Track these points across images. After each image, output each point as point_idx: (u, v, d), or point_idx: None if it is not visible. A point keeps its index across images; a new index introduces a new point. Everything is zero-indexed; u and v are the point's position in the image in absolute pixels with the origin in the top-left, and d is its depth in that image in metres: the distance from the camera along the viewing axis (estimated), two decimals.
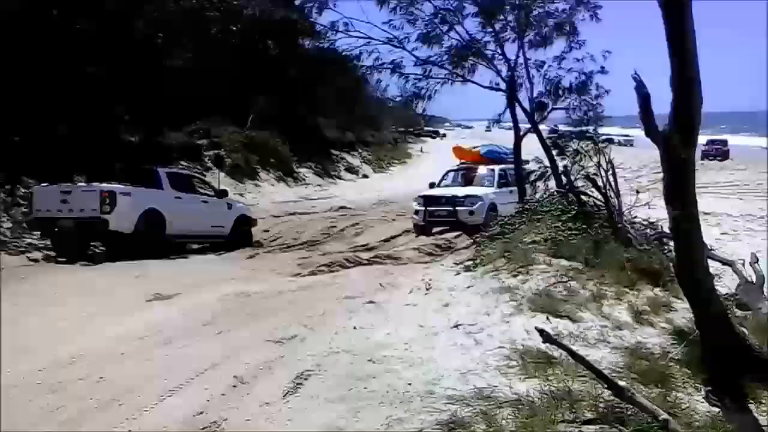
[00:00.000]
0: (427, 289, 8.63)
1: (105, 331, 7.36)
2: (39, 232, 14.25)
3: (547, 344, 4.68)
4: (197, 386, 5.43)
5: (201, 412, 4.85)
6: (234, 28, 27.62)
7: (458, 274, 9.61)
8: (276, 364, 5.90)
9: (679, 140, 4.89)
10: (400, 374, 5.29)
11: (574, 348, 4.80)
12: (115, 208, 13.16)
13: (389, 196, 29.59)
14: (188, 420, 4.74)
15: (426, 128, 78.31)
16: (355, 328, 6.92)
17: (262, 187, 28.65)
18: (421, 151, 59.37)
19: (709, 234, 14.43)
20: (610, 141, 17.85)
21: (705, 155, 48.80)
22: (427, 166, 46.35)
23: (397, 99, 38.31)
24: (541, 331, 4.43)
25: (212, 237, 16.36)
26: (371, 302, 8.27)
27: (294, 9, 18.46)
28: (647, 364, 5.17)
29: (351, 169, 38.63)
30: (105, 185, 13.60)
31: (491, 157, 21.21)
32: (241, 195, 25.34)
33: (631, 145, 62.03)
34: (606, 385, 4.15)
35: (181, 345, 6.80)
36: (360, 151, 44.60)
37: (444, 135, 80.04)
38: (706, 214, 20.81)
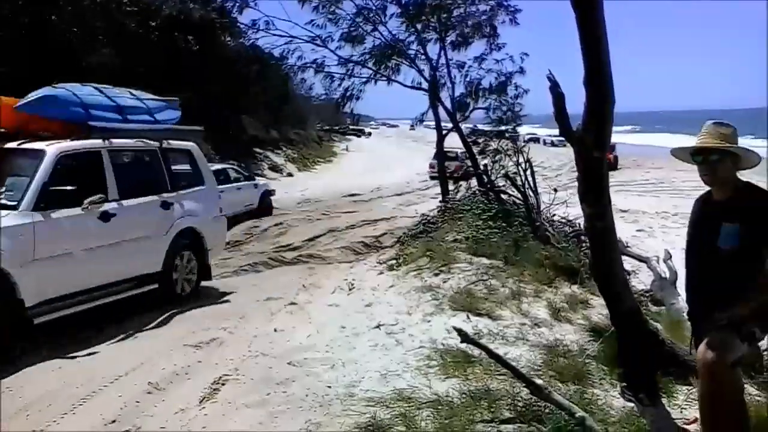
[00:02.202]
0: (349, 289, 8.58)
1: None
2: None
3: (467, 343, 4.67)
4: (111, 394, 5.22)
5: (114, 421, 4.66)
6: (153, 24, 26.88)
7: (381, 273, 9.61)
8: (193, 369, 5.73)
9: (592, 140, 4.98)
10: (320, 377, 5.21)
11: (492, 347, 4.83)
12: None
13: (314, 195, 29.42)
14: (101, 429, 4.54)
15: (351, 127, 78.29)
16: (275, 330, 6.79)
17: None
18: (347, 149, 59.36)
19: (626, 231, 14.92)
20: (535, 140, 18.20)
21: None
22: (353, 165, 46.50)
23: (322, 97, 38.47)
24: (459, 331, 4.43)
25: (246, 212, 20.35)
26: (293, 303, 8.15)
27: (214, 8, 18.04)
28: (565, 361, 5.24)
29: (275, 168, 38.16)
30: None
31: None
32: None
33: (564, 145, 63.46)
34: (524, 384, 4.17)
35: (95, 350, 6.55)
36: (284, 149, 44.16)
37: (369, 134, 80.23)
38: (623, 211, 21.55)
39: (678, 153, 4.09)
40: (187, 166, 9.55)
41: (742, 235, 3.73)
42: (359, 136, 75.29)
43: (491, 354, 4.40)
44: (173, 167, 9.04)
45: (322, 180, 37.30)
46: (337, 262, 13.49)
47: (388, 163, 46.82)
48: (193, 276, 9.23)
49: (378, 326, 6.50)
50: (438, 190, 28.95)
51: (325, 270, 11.75)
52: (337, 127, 74.32)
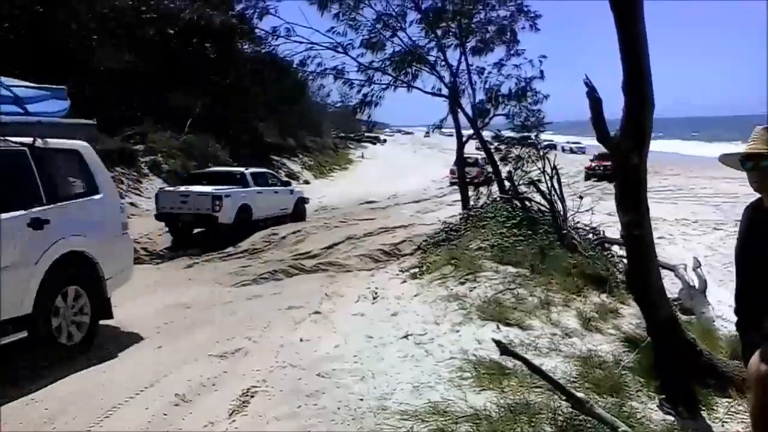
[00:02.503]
0: (374, 298, 8.46)
1: None
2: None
3: (506, 356, 4.54)
4: (136, 406, 5.13)
5: None
6: (171, 32, 27.00)
7: (404, 281, 9.49)
8: (220, 380, 5.63)
9: (630, 146, 4.87)
10: (350, 389, 5.10)
11: (530, 359, 4.69)
12: (222, 207, 17.43)
13: (331, 203, 29.34)
14: None
15: (367, 134, 78.36)
16: (301, 340, 6.68)
17: None
18: (362, 157, 59.31)
19: None
20: (552, 147, 18.01)
21: (590, 174, 39.25)
22: (369, 172, 46.44)
23: (338, 105, 38.50)
24: (498, 343, 4.30)
25: (281, 216, 20.69)
26: (317, 312, 8.05)
27: (234, 15, 18.07)
28: (601, 372, 5.10)
29: (292, 175, 38.00)
30: (213, 190, 17.70)
31: None
32: None
33: (583, 152, 62.60)
34: (565, 397, 4.04)
35: (118, 361, 6.48)
36: (301, 156, 44.15)
37: (384, 141, 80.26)
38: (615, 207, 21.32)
39: (726, 159, 3.92)
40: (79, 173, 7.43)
41: None
42: (374, 144, 75.33)
43: (531, 367, 4.28)
44: (57, 173, 6.98)
45: (338, 187, 37.25)
46: (356, 270, 13.37)
47: (403, 170, 46.71)
48: (85, 317, 6.93)
49: (406, 336, 6.38)
50: (456, 197, 28.92)
51: (346, 278, 11.65)
52: (352, 135, 74.40)
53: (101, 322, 7.27)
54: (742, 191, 29.51)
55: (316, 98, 41.27)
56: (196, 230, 18.44)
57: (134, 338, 7.33)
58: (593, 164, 39.41)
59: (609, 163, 38.19)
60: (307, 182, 38.13)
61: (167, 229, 18.26)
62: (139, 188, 22.83)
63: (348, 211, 25.47)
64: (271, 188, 20.86)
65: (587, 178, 38.63)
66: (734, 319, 8.98)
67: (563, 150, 64.32)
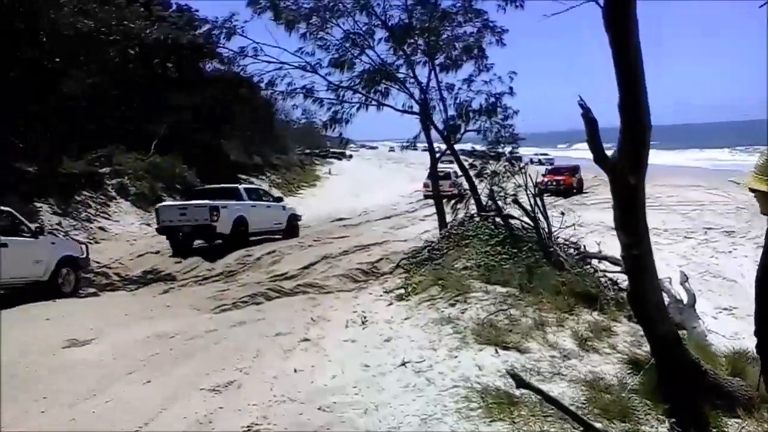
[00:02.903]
0: (363, 323, 8.34)
1: None
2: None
3: (522, 389, 4.46)
4: None
5: None
6: (132, 52, 26.63)
7: (391, 303, 9.38)
8: (217, 416, 5.45)
9: (628, 167, 4.84)
10: (355, 423, 4.99)
11: (544, 389, 4.62)
12: (219, 218, 18.74)
13: (302, 221, 29.10)
14: None
15: (332, 150, 78.24)
16: (295, 370, 6.53)
17: None
18: (329, 173, 59.12)
19: (618, 249, 14.83)
20: (517, 159, 18.00)
21: (542, 190, 38.49)
22: (337, 188, 46.31)
23: (302, 121, 38.25)
24: (514, 376, 4.22)
25: (275, 231, 21.92)
26: (306, 339, 7.90)
27: (201, 34, 17.87)
28: (609, 397, 5.04)
29: None
30: (209, 202, 19.05)
31: None
32: (148, 225, 24.37)
33: (551, 164, 63.08)
34: (583, 429, 3.97)
35: (105, 398, 6.24)
36: (268, 174, 43.88)
37: (350, 156, 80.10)
38: (613, 228, 21.56)
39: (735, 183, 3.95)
40: None
41: None
42: (340, 159, 75.06)
43: (548, 399, 4.20)
44: None
45: (307, 205, 36.96)
46: (337, 291, 13.25)
47: (371, 185, 46.70)
48: None
49: (404, 364, 6.27)
50: (427, 211, 29.04)
51: (328, 300, 11.50)
52: (317, 151, 74.16)
53: None
54: (708, 199, 30.15)
55: (280, 115, 41.12)
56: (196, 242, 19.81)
57: (120, 372, 7.10)
58: (545, 179, 36.64)
59: (561, 178, 37.99)
60: None
61: (168, 242, 19.48)
62: (107, 212, 22.40)
63: (321, 229, 25.34)
64: (264, 203, 22.26)
65: (540, 193, 38.14)
66: (723, 331, 9.02)
67: (531, 162, 64.75)
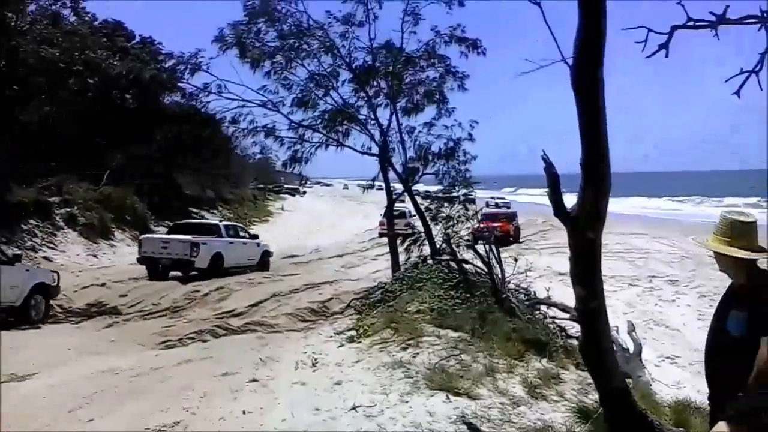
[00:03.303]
0: (313, 365, 8.25)
1: None
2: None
3: (457, 427, 4.45)
4: None
5: None
6: (91, 81, 26.39)
7: (342, 345, 9.33)
8: None
9: (587, 222, 4.94)
10: None
11: None
12: (199, 253, 20.00)
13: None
14: None
15: (286, 186, 78.05)
16: (244, 412, 6.41)
17: (117, 247, 26.89)
18: (282, 209, 58.82)
19: (568, 295, 15.06)
20: (472, 201, 18.12)
21: (477, 237, 26.08)
22: (290, 225, 46.04)
23: (257, 156, 38.05)
24: (469, 425, 4.21)
25: (248, 266, 22.96)
26: (254, 380, 7.77)
27: (165, 69, 17.79)
28: None
29: None
30: (191, 238, 20.28)
31: None
32: (95, 256, 23.83)
33: (508, 208, 63.28)
34: None
35: None
36: (220, 209, 43.45)
37: (304, 192, 79.94)
38: (561, 274, 21.88)
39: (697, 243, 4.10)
40: None
41: (749, 323, 3.70)
42: (293, 195, 74.88)
43: None
44: None
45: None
46: (286, 331, 13.12)
47: (325, 222, 46.62)
48: None
49: (354, 408, 6.21)
50: (378, 251, 29.05)
51: (277, 340, 11.37)
52: (271, 186, 73.88)
53: None
54: (654, 247, 30.79)
55: (237, 150, 40.86)
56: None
57: (63, 409, 6.87)
58: (481, 226, 33.79)
59: (498, 224, 33.41)
60: None
61: (147, 271, 20.59)
62: (53, 241, 21.81)
63: (271, 266, 25.07)
64: (240, 240, 23.45)
65: (475, 241, 34.55)
66: (666, 380, 9.20)
67: (488, 205, 64.84)
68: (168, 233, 22.17)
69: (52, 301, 14.91)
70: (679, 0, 3.71)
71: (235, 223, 26.10)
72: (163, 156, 31.04)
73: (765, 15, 3.65)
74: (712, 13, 3.70)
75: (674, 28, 3.86)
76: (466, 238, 12.14)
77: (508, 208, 62.89)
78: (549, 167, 4.94)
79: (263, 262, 24.30)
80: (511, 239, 35.19)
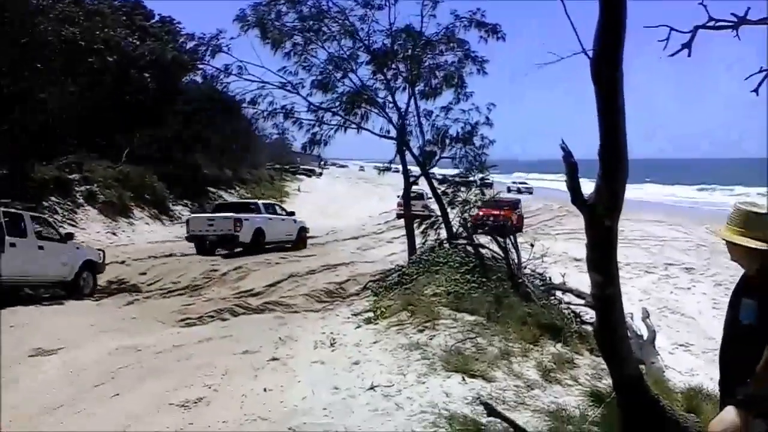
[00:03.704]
0: (331, 345, 8.42)
1: None
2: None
3: (494, 417, 4.60)
4: None
5: None
6: (111, 59, 26.55)
7: (359, 326, 9.48)
8: None
9: (603, 210, 5.03)
10: None
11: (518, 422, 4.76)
12: (242, 228, 21.61)
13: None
14: None
15: (302, 166, 78.27)
16: (265, 390, 6.59)
17: (136, 226, 27.25)
18: (299, 190, 59.03)
19: (583, 282, 15.15)
20: (489, 185, 18.11)
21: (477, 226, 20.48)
22: (306, 206, 46.21)
23: (274, 136, 38.13)
24: (486, 405, 4.36)
25: (287, 241, 24.76)
26: (275, 359, 7.96)
27: (187, 50, 17.92)
28: (571, 428, 5.21)
29: None
30: (235, 215, 22.05)
31: None
32: (114, 234, 24.11)
33: (530, 193, 62.42)
34: None
35: (71, 411, 6.24)
36: (237, 188, 43.71)
37: (320, 174, 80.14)
38: (576, 260, 21.92)
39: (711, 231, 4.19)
40: None
41: (758, 312, 3.78)
42: (310, 176, 75.07)
43: (518, 429, 4.34)
44: None
45: None
46: (304, 311, 13.30)
47: (340, 204, 46.75)
48: None
49: (372, 388, 6.37)
50: (393, 234, 29.18)
51: (296, 320, 11.55)
52: (287, 167, 74.09)
53: None
54: (670, 235, 30.71)
55: (254, 130, 40.99)
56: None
57: (88, 384, 7.09)
58: (481, 213, 29.73)
59: (499, 212, 33.26)
60: None
61: (195, 248, 22.30)
62: (74, 219, 22.12)
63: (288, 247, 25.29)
64: (278, 216, 24.99)
65: (475, 230, 29.78)
66: (679, 367, 9.31)
67: (509, 190, 63.59)
68: (212, 212, 23.72)
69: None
70: (701, 0, 3.78)
71: (273, 202, 27.95)
72: (181, 136, 31.31)
73: None
74: (733, 14, 3.77)
75: (697, 27, 3.93)
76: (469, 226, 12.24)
77: (530, 193, 62.12)
78: (567, 156, 5.02)
79: (300, 238, 25.81)
80: (513, 229, 33.18)
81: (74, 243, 15.74)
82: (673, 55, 4.11)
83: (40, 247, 13.84)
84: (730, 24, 3.81)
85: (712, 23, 3.88)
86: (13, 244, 12.77)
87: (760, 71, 3.83)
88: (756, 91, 3.87)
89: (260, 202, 25.96)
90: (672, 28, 4.05)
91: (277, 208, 26.18)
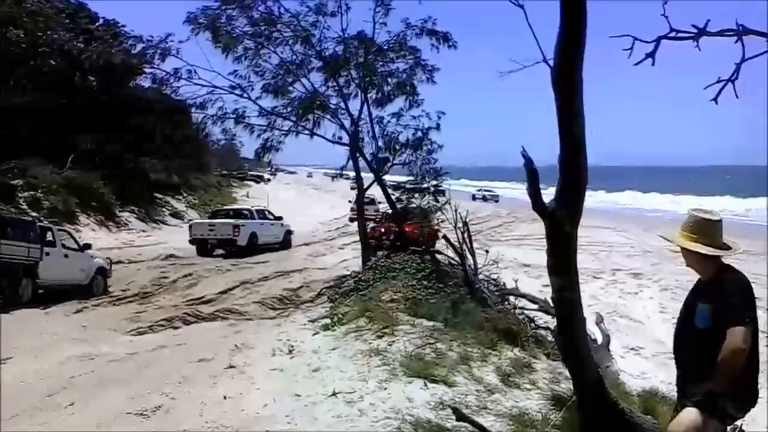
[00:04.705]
0: (290, 352, 8.36)
1: None
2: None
3: (463, 422, 4.62)
4: None
5: None
6: (54, 63, 25.94)
7: (317, 333, 9.45)
8: None
9: (564, 215, 5.13)
10: None
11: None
12: (240, 233, 24.38)
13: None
14: None
15: (250, 172, 77.64)
16: (225, 398, 6.50)
17: (82, 232, 26.42)
18: (247, 195, 58.44)
19: (534, 286, 15.36)
20: (441, 192, 18.21)
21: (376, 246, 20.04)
22: None
23: (221, 142, 37.65)
24: (455, 410, 4.39)
25: (274, 243, 27.15)
26: (231, 367, 7.87)
27: (132, 53, 17.55)
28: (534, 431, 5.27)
29: (176, 214, 37.00)
30: (233, 221, 25.24)
31: None
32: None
33: (496, 201, 61.37)
34: None
35: (30, 421, 6.05)
36: (185, 194, 43.02)
37: (269, 180, 79.57)
38: (525, 265, 22.23)
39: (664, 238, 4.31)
40: None
41: (713, 315, 3.91)
42: (258, 182, 74.51)
43: None
44: None
45: None
46: (257, 318, 13.18)
47: (290, 211, 46.41)
48: None
49: (334, 394, 6.33)
50: (344, 240, 29.20)
51: (250, 328, 11.45)
52: (235, 173, 73.38)
53: None
54: (618, 241, 31.37)
55: (200, 135, 40.43)
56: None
57: (42, 394, 6.89)
58: (379, 227, 23.42)
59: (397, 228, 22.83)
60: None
61: (196, 250, 24.75)
62: None
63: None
64: (268, 221, 27.78)
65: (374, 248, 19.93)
66: (631, 370, 9.48)
67: (474, 198, 62.75)
68: (210, 218, 27.38)
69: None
70: (663, 12, 3.91)
71: (263, 207, 30.41)
72: (129, 141, 30.74)
73: (740, 29, 3.87)
74: (694, 25, 3.91)
75: (660, 38, 4.05)
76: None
77: (496, 201, 60.93)
78: (528, 162, 5.11)
79: (286, 240, 28.31)
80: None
81: (90, 252, 17.52)
82: (637, 63, 4.22)
83: (65, 256, 16.02)
84: (691, 35, 3.93)
85: (673, 34, 4.00)
86: (47, 254, 14.96)
87: (718, 81, 3.97)
88: (715, 100, 4.01)
89: (253, 208, 28.71)
90: (635, 38, 4.16)
91: (266, 213, 28.68)
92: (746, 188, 72.79)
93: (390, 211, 18.98)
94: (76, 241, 17.29)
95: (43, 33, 23.46)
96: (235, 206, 31.94)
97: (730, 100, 3.93)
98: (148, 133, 26.29)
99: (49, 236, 15.87)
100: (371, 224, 18.64)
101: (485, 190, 68.85)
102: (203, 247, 24.75)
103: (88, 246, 17.54)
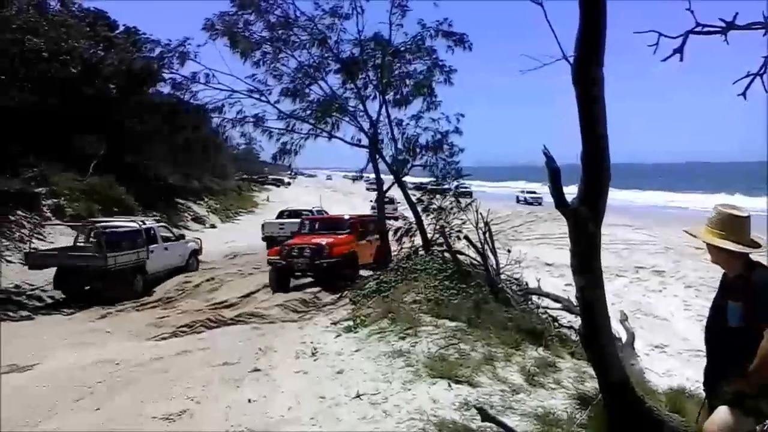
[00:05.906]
0: (313, 354, 8.38)
1: None
2: None
3: (488, 422, 4.60)
4: None
5: None
6: (74, 70, 26.20)
7: (339, 335, 9.44)
8: None
9: (587, 214, 5.09)
10: None
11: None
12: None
13: (241, 248, 28.83)
14: None
15: (270, 176, 77.98)
16: (249, 401, 6.53)
17: None
18: (268, 200, 58.68)
19: (557, 285, 15.30)
20: (468, 194, 18.13)
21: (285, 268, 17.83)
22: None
23: (241, 147, 37.89)
24: (480, 410, 4.37)
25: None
26: (256, 370, 7.90)
27: (150, 58, 17.70)
28: (559, 431, 5.23)
29: (198, 219, 37.22)
30: (300, 220, 24.55)
31: None
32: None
33: (539, 204, 59.35)
34: None
35: (54, 425, 6.12)
36: (206, 199, 43.26)
37: (289, 183, 79.85)
38: (548, 264, 22.15)
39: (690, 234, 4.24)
40: None
41: (744, 314, 3.85)
42: (278, 186, 74.83)
43: None
44: None
45: (246, 231, 36.58)
46: (281, 321, 13.21)
47: None
48: None
49: (358, 396, 6.34)
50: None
51: (273, 330, 11.47)
52: (255, 177, 73.73)
53: None
54: (639, 239, 31.10)
55: (221, 140, 40.70)
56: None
57: (67, 399, 6.96)
58: (291, 243, 18.71)
59: (324, 241, 17.17)
60: (213, 226, 37.37)
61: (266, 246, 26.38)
62: (41, 233, 21.68)
63: (260, 257, 25.12)
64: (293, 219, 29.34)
65: (289, 273, 18.33)
66: (657, 368, 9.39)
67: (518, 200, 61.80)
68: (277, 218, 30.43)
69: (42, 293, 15.38)
70: (688, 6, 3.86)
71: (320, 208, 33.04)
72: (148, 147, 31.05)
73: None
74: (721, 19, 3.85)
75: (687, 33, 4.00)
76: (457, 229, 12.26)
77: (539, 204, 58.24)
78: (550, 161, 5.08)
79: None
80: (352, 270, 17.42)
81: (186, 239, 22.17)
82: (665, 59, 4.17)
83: (165, 248, 19.59)
84: (719, 29, 3.88)
85: (700, 28, 3.95)
86: (152, 251, 18.36)
87: (747, 75, 3.91)
88: (743, 94, 3.94)
89: (313, 208, 31.50)
90: (661, 34, 4.11)
91: (323, 212, 30.98)
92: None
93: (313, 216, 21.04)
94: (172, 232, 21.34)
95: (65, 42, 23.70)
96: (298, 207, 33.95)
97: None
98: (166, 138, 26.53)
99: (152, 234, 19.09)
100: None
101: (528, 192, 66.83)
102: (273, 243, 25.66)
103: (182, 236, 22.03)
